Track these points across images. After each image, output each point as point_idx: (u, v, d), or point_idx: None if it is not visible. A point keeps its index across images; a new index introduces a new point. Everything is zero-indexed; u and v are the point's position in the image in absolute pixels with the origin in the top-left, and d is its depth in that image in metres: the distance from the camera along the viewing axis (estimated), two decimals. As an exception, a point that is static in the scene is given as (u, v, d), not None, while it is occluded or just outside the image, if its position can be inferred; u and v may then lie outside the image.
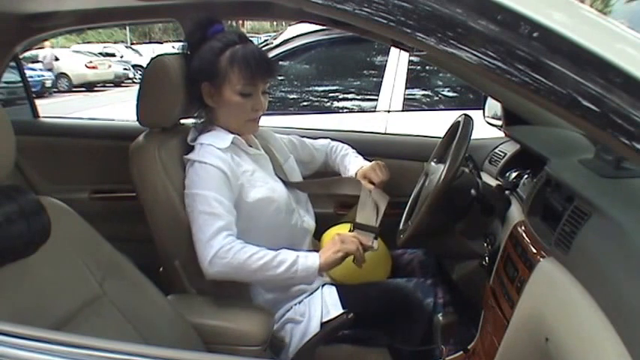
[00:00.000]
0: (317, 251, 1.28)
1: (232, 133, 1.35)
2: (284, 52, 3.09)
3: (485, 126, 1.74)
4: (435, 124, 1.83)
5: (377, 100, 3.02)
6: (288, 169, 1.47)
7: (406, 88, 2.98)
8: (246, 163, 1.34)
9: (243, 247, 1.21)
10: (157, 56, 1.37)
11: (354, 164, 1.54)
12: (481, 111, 1.75)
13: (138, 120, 1.38)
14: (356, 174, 1.51)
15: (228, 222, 1.23)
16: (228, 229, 1.23)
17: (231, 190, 1.28)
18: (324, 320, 1.34)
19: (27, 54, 2.60)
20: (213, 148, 1.30)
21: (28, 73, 2.22)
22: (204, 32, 1.34)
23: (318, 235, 1.52)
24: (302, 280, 1.28)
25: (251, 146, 1.40)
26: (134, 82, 15.37)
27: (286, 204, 1.38)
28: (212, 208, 1.23)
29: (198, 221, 1.23)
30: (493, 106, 1.71)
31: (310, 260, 1.23)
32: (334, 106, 3.27)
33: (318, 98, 3.29)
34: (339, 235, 1.28)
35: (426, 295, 1.41)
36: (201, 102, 1.36)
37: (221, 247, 1.20)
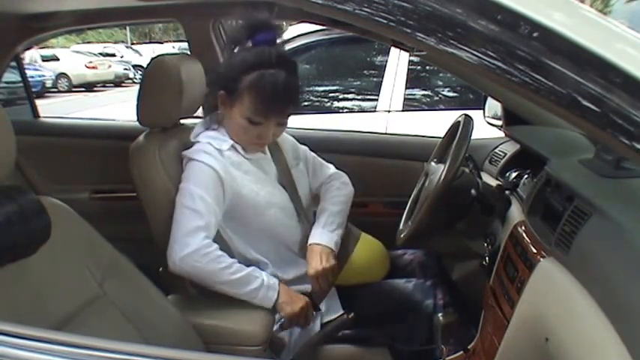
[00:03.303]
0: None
1: (234, 140, 1.32)
2: (284, 52, 3.08)
3: (486, 126, 1.73)
4: (435, 124, 1.83)
5: (377, 100, 3.02)
6: (297, 174, 1.43)
7: (406, 88, 2.98)
8: (247, 164, 1.33)
9: (219, 257, 1.22)
10: (158, 56, 1.38)
11: (317, 236, 1.38)
12: (481, 111, 1.75)
13: (138, 120, 1.38)
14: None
15: (207, 222, 1.23)
16: (206, 230, 1.22)
17: (223, 191, 1.26)
18: (324, 321, 1.34)
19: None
20: (212, 147, 1.29)
21: (28, 73, 2.22)
22: (249, 35, 1.28)
23: None
24: (257, 304, 1.27)
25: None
26: (134, 82, 15.38)
27: (285, 209, 1.36)
28: (195, 205, 1.22)
29: (179, 214, 1.23)
30: (493, 106, 1.71)
31: (269, 297, 1.25)
32: (334, 106, 3.27)
33: (319, 98, 3.29)
34: (306, 301, 1.30)
35: (426, 297, 1.41)
36: (216, 103, 1.33)
37: (197, 249, 1.20)
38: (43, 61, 14.66)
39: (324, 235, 1.36)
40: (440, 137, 1.50)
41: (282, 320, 1.31)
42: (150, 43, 24.69)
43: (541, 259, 1.00)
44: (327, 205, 1.43)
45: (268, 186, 1.35)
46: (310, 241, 1.36)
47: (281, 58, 1.26)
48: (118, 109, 3.85)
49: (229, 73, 1.27)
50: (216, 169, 1.26)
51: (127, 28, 23.33)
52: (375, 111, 3.01)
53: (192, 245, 1.20)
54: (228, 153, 1.30)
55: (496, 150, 1.71)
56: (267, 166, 1.39)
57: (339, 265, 1.37)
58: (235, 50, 1.30)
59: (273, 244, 1.36)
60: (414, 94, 3.09)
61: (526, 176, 1.36)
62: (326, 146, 1.84)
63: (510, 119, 1.61)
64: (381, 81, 3.02)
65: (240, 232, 1.32)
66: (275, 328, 1.31)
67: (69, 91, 14.79)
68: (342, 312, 1.34)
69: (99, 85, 15.91)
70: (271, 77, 1.22)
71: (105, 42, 22.79)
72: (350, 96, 3.29)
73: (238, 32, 1.30)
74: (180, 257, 1.20)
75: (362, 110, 3.18)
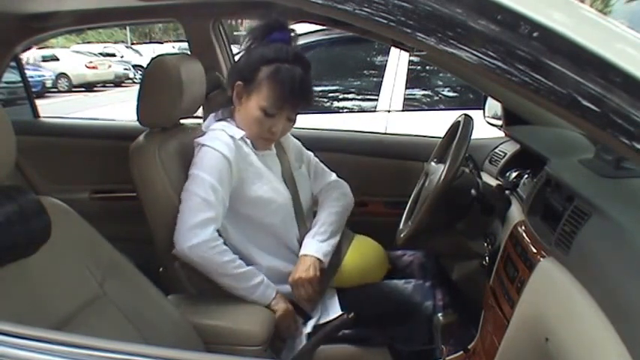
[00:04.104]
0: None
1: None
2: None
3: (486, 126, 1.73)
4: (435, 124, 1.83)
5: (377, 100, 3.02)
6: (298, 176, 1.45)
7: (406, 88, 2.98)
8: (254, 157, 1.34)
9: (225, 250, 1.26)
10: (158, 56, 1.38)
11: (306, 246, 1.38)
12: (481, 111, 1.75)
13: (138, 120, 1.38)
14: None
15: (217, 214, 1.26)
16: (215, 222, 1.26)
17: (232, 178, 1.28)
18: (323, 321, 1.34)
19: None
20: (224, 133, 1.30)
21: (28, 73, 2.23)
22: (264, 34, 1.33)
23: None
24: (254, 300, 1.30)
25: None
26: (134, 82, 15.38)
27: (286, 206, 1.37)
28: (207, 195, 1.24)
29: (189, 202, 1.25)
30: (493, 106, 1.71)
31: (266, 296, 1.30)
32: (334, 106, 3.27)
33: (319, 98, 3.29)
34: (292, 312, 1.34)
35: (426, 298, 1.41)
36: (232, 96, 1.35)
37: (206, 241, 1.23)
38: (44, 61, 14.67)
39: (312, 245, 1.36)
40: (440, 137, 1.50)
41: None
42: (150, 43, 24.67)
43: (541, 259, 1.00)
44: (322, 215, 1.44)
45: (272, 182, 1.36)
46: (300, 252, 1.37)
47: (298, 56, 1.32)
48: (118, 109, 3.85)
49: (248, 65, 1.31)
50: (228, 156, 1.27)
51: (127, 28, 23.33)
52: (375, 111, 3.01)
53: (201, 236, 1.23)
54: (239, 142, 1.31)
55: (496, 150, 1.71)
56: (272, 163, 1.40)
57: (331, 269, 1.38)
58: (252, 46, 1.34)
59: (273, 240, 1.37)
60: (414, 94, 3.09)
61: (526, 176, 1.36)
62: (326, 146, 1.84)
63: (510, 119, 1.61)
64: (381, 81, 3.02)
65: (239, 226, 1.33)
66: None
67: (69, 91, 14.79)
68: (340, 313, 1.34)
69: (99, 85, 15.91)
70: (288, 71, 1.28)
71: (105, 42, 22.76)
72: (350, 96, 3.29)
73: (256, 30, 1.34)
74: (188, 246, 1.23)
75: (362, 110, 3.18)
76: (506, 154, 1.62)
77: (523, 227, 1.16)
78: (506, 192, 1.37)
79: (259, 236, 1.35)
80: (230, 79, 1.36)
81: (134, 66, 17.07)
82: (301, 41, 3.09)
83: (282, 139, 1.44)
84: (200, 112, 1.54)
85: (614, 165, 0.97)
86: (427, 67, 3.10)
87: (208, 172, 1.26)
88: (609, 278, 0.76)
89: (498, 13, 0.57)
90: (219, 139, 1.29)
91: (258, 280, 1.29)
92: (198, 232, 1.23)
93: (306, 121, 2.35)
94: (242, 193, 1.31)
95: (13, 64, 1.97)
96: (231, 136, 1.30)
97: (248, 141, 1.34)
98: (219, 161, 1.27)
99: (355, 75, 3.39)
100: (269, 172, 1.36)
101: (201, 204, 1.24)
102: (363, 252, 1.44)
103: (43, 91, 12.70)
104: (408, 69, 2.98)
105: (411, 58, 2.89)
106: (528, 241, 1.10)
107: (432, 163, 1.44)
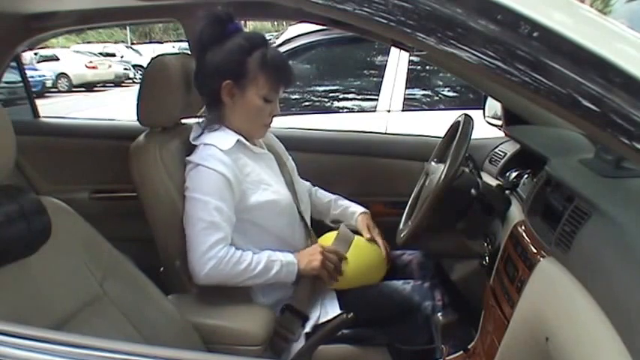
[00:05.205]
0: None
1: (238, 133, 1.33)
2: (285, 52, 3.08)
3: (486, 126, 1.74)
4: (436, 124, 1.83)
5: (377, 100, 3.02)
6: (292, 170, 1.47)
7: (406, 88, 2.98)
8: (251, 164, 1.33)
9: (239, 258, 1.25)
10: (158, 56, 1.38)
11: (354, 207, 1.54)
12: (481, 111, 1.75)
13: (138, 120, 1.38)
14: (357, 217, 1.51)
15: (225, 234, 1.25)
16: (225, 241, 1.24)
17: (233, 195, 1.27)
18: (323, 321, 1.34)
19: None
20: (216, 149, 1.28)
21: (27, 73, 2.22)
22: (223, 29, 1.29)
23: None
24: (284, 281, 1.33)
25: (255, 145, 1.39)
26: (134, 82, 15.40)
27: (290, 206, 1.37)
28: (212, 217, 1.23)
29: (196, 228, 1.24)
30: (493, 106, 1.71)
31: (290, 272, 1.31)
32: (334, 106, 3.27)
33: (319, 98, 3.29)
34: (320, 251, 1.33)
35: (424, 299, 1.40)
36: (216, 99, 1.32)
37: (219, 262, 1.22)
38: (44, 61, 14.67)
39: (352, 206, 1.53)
40: (440, 137, 1.50)
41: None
42: (150, 43, 24.69)
43: (541, 259, 1.00)
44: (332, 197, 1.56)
45: (272, 185, 1.35)
46: (355, 210, 1.51)
47: (264, 38, 1.34)
48: (120, 106, 3.85)
49: (230, 62, 1.27)
50: (225, 174, 1.25)
51: (127, 28, 23.35)
52: (375, 111, 3.01)
53: (213, 259, 1.22)
54: (233, 154, 1.29)
55: (496, 150, 1.71)
56: (270, 162, 1.40)
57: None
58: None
59: (278, 243, 1.36)
60: (414, 94, 3.09)
61: (526, 176, 1.36)
62: (326, 146, 1.85)
63: (510, 119, 1.61)
64: (381, 81, 3.02)
65: (247, 232, 1.33)
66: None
67: (69, 91, 14.79)
68: (341, 312, 1.34)
69: (99, 85, 15.92)
70: (273, 53, 1.30)
71: (105, 42, 22.76)
72: (350, 96, 3.29)
73: (212, 27, 1.29)
74: (204, 274, 1.23)
75: (362, 110, 3.18)
76: (506, 154, 1.62)
77: (523, 227, 1.16)
78: (506, 192, 1.37)
79: (265, 240, 1.34)
80: (213, 84, 1.30)
81: (134, 66, 17.07)
82: (301, 41, 3.11)
83: (269, 138, 1.47)
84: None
85: (614, 165, 0.97)
86: (427, 67, 3.10)
87: (209, 194, 1.24)
88: (609, 278, 0.76)
89: (498, 13, 0.57)
90: (214, 156, 1.27)
91: (278, 267, 1.28)
92: (210, 257, 1.22)
93: (306, 121, 2.35)
94: (246, 203, 1.30)
95: (13, 64, 1.97)
96: (224, 150, 1.28)
97: (243, 140, 1.33)
98: (217, 180, 1.25)
99: (355, 75, 3.39)
100: (269, 174, 1.36)
101: (208, 228, 1.23)
102: (362, 254, 1.44)
103: (43, 91, 12.70)
104: (408, 69, 2.98)
105: (411, 58, 2.89)
106: (528, 240, 1.11)
107: (432, 163, 1.44)
